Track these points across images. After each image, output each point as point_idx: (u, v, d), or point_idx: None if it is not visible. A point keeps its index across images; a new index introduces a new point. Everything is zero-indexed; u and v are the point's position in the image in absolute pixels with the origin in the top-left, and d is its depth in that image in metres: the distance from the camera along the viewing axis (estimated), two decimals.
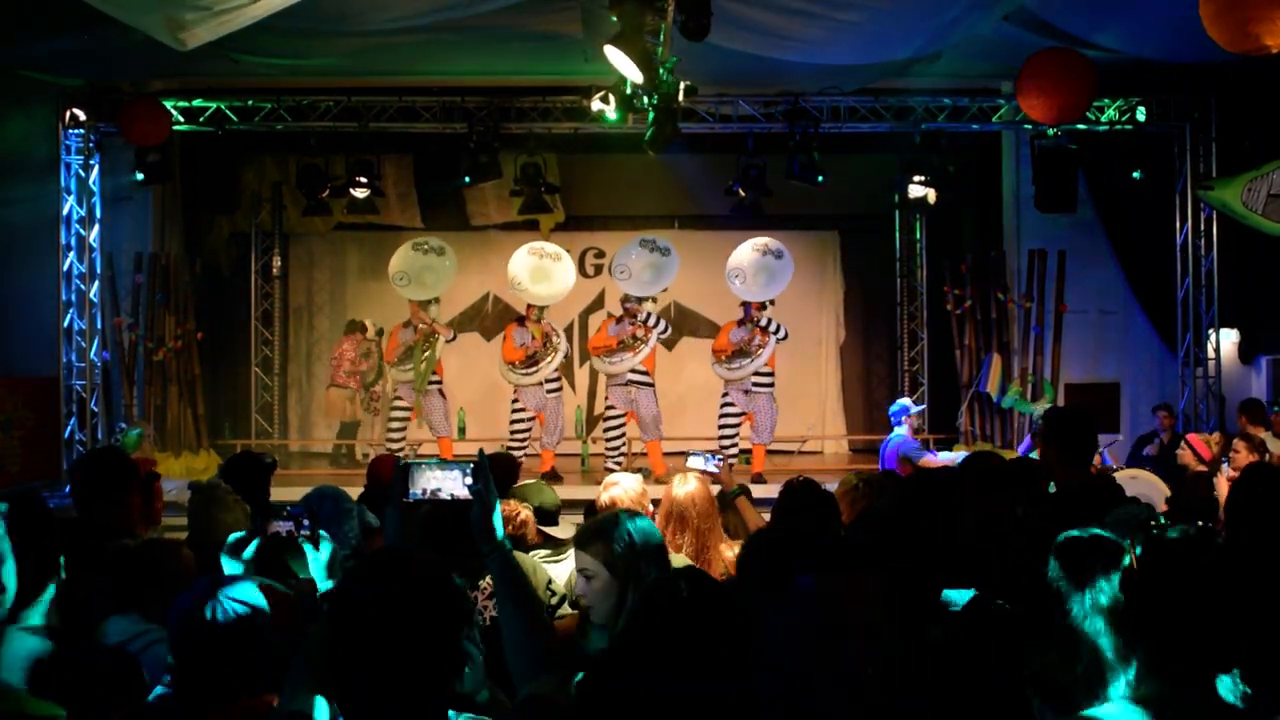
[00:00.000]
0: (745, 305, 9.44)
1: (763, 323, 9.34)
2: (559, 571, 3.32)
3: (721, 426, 9.51)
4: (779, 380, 9.63)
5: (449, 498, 2.22)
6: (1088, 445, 3.50)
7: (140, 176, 9.20)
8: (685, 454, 4.39)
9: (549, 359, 9.37)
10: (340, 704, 1.75)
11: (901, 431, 7.51)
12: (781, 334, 9.36)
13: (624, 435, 9.63)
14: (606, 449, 9.61)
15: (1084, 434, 3.49)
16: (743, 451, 9.67)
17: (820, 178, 9.25)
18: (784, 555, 1.51)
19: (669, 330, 9.81)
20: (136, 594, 2.66)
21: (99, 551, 2.81)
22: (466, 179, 9.41)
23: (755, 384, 9.39)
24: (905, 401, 7.88)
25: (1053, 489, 3.49)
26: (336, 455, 11.19)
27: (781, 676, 1.48)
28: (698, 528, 3.40)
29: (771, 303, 9.49)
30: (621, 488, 3.60)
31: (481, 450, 2.31)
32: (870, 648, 1.45)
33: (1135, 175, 9.49)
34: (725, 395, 9.50)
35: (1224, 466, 5.82)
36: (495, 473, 3.30)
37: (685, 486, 3.48)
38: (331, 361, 11.11)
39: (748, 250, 9.49)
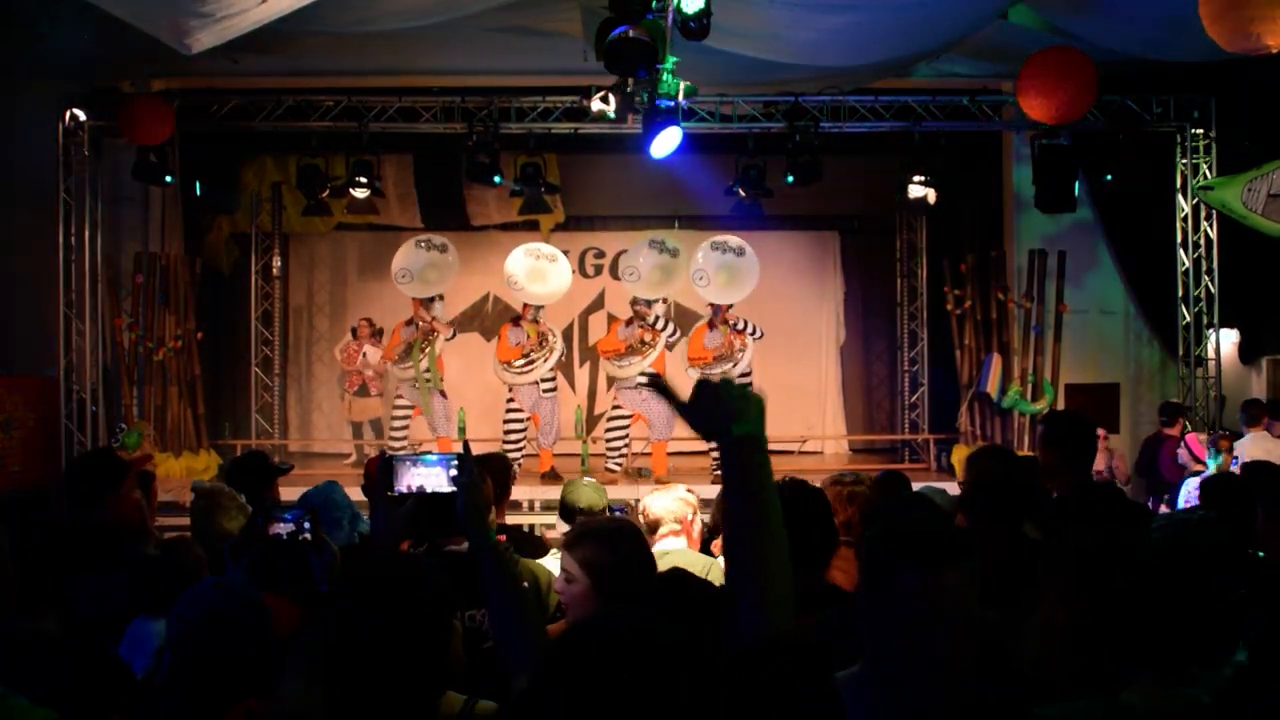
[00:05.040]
0: (714, 307, 9.40)
1: (738, 325, 9.30)
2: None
3: None
4: (778, 379, 9.65)
5: (433, 492, 2.25)
6: (1088, 449, 3.50)
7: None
8: (685, 454, 4.43)
9: (544, 359, 9.37)
10: (335, 703, 1.77)
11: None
12: (758, 334, 9.34)
13: (627, 437, 9.63)
14: (607, 449, 9.60)
15: (1085, 437, 3.49)
16: None
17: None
18: (884, 553, 1.63)
19: (678, 334, 9.80)
20: (158, 597, 2.67)
21: (105, 552, 2.82)
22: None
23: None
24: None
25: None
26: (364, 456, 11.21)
27: (884, 670, 1.60)
28: None
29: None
30: (672, 513, 3.65)
31: (465, 442, 2.33)
32: (965, 638, 1.56)
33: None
34: None
35: (1233, 466, 5.84)
36: (492, 476, 3.31)
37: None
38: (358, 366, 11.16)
39: (705, 249, 9.45)
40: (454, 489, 2.22)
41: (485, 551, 2.16)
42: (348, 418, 11.42)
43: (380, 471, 2.26)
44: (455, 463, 2.23)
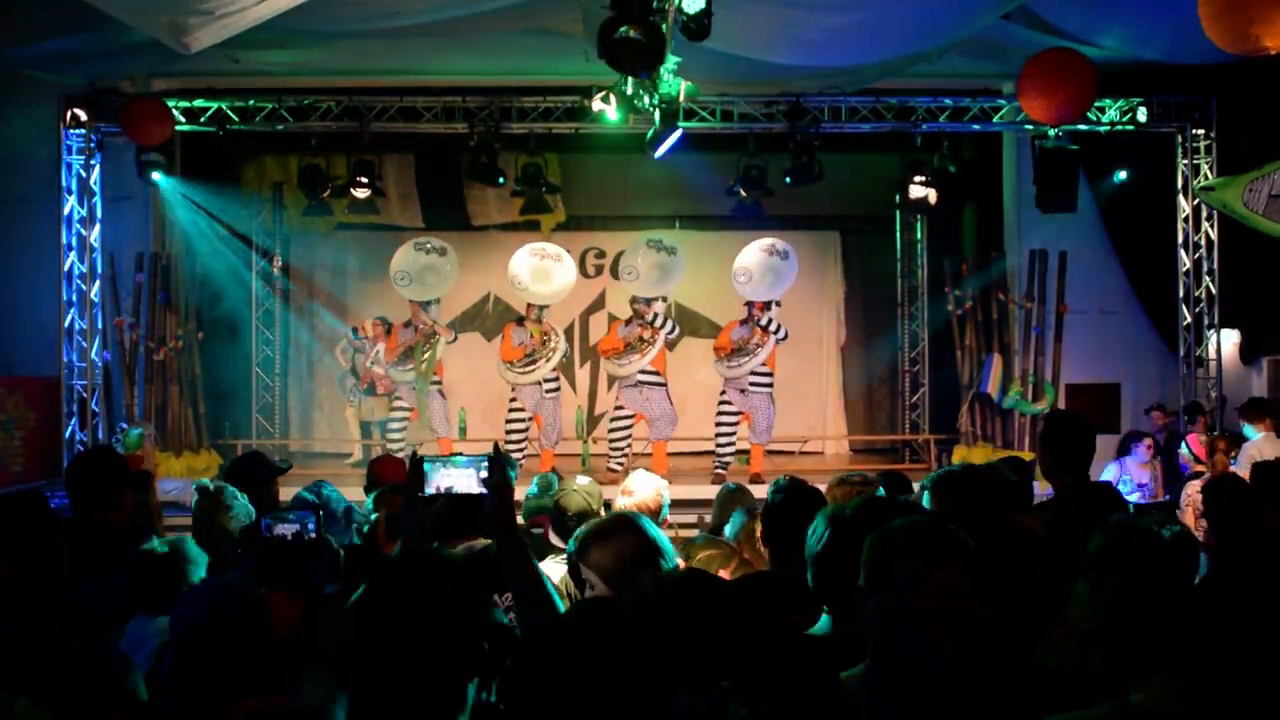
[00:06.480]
0: (749, 304, 9.47)
1: (764, 322, 9.37)
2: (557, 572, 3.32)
3: (719, 425, 9.53)
4: (779, 380, 9.63)
5: (463, 493, 2.30)
6: (1085, 450, 3.49)
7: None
8: (685, 454, 4.42)
9: (547, 358, 9.38)
10: (361, 699, 1.79)
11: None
12: (782, 334, 9.39)
13: (629, 436, 9.64)
14: (610, 449, 9.62)
15: (1082, 438, 3.49)
16: (740, 452, 9.66)
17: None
18: (880, 550, 1.68)
19: (676, 330, 9.82)
20: (158, 597, 2.68)
21: (105, 552, 2.82)
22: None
23: (753, 383, 9.41)
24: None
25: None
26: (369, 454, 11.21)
27: (888, 667, 1.63)
28: None
29: (778, 304, 9.52)
30: (637, 498, 3.58)
31: (496, 444, 2.37)
32: (964, 634, 1.59)
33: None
34: (723, 394, 9.53)
35: (1232, 467, 5.82)
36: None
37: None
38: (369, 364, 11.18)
39: (755, 250, 9.52)
40: (483, 490, 2.27)
41: (516, 549, 2.22)
42: (357, 417, 11.42)
43: (411, 474, 2.30)
44: (485, 464, 2.29)
